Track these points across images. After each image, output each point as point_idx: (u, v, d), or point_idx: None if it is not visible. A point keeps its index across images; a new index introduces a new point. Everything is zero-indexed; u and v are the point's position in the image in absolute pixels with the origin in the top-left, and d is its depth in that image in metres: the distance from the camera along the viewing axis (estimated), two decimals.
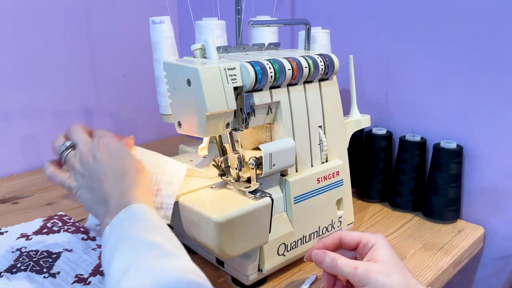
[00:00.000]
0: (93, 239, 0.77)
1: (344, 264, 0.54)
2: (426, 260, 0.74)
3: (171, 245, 0.47)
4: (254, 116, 0.63)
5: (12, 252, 0.72)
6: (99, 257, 0.71)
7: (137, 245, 0.46)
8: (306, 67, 0.66)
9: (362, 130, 0.97)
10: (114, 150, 0.57)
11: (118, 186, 0.54)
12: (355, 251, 0.59)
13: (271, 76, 0.62)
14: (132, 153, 0.59)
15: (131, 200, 0.52)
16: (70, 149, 0.60)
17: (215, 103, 0.57)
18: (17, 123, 1.09)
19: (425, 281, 0.69)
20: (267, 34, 0.83)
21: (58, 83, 1.14)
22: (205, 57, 0.63)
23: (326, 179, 0.71)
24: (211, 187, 0.64)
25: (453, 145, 0.85)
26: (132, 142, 0.63)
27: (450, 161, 0.84)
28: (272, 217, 0.61)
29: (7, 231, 0.79)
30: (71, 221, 0.83)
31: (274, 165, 0.62)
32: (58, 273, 0.67)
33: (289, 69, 0.64)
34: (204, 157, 0.75)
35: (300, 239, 0.68)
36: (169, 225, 0.76)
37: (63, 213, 0.86)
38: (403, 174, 0.90)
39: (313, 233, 0.70)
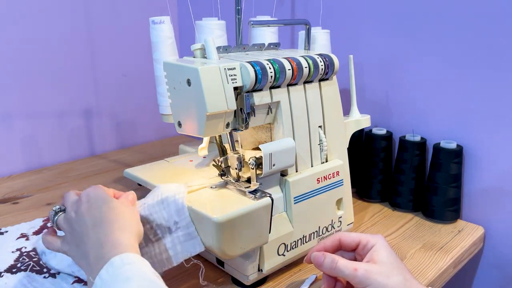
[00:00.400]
0: None
1: (344, 265, 0.53)
2: (426, 260, 0.74)
3: None
4: (254, 116, 0.63)
5: (12, 252, 0.72)
6: None
7: None
8: (306, 67, 0.66)
9: (362, 130, 0.97)
10: (93, 199, 0.54)
11: (96, 235, 0.51)
12: (354, 252, 0.59)
13: (271, 76, 0.62)
14: (112, 198, 0.56)
15: (111, 251, 0.48)
16: (60, 213, 0.58)
17: (215, 103, 0.57)
18: (17, 123, 1.09)
19: (425, 281, 0.69)
20: (267, 34, 0.83)
21: (58, 83, 1.14)
22: (205, 57, 0.63)
23: (326, 179, 0.71)
24: (211, 187, 0.64)
25: (453, 145, 0.85)
26: (133, 197, 0.59)
27: (450, 161, 0.85)
28: (272, 217, 0.61)
29: (7, 231, 0.79)
30: None
31: (274, 165, 0.62)
32: (58, 273, 0.67)
33: (289, 69, 0.64)
34: (204, 157, 0.75)
35: (300, 239, 0.68)
36: None
37: None
38: (403, 174, 0.90)
39: (313, 233, 0.70)
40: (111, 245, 0.49)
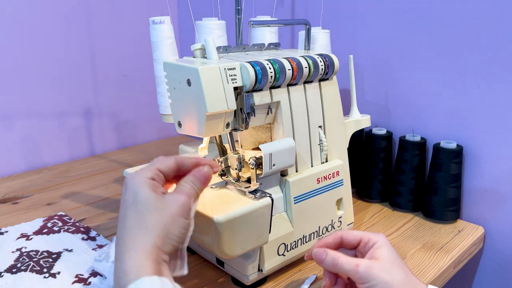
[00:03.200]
0: (93, 239, 0.77)
1: (345, 262, 0.53)
2: (426, 260, 0.74)
3: None
4: (254, 116, 0.63)
5: (12, 252, 0.72)
6: None
7: None
8: (306, 67, 0.66)
9: (362, 130, 0.97)
10: (128, 191, 0.45)
11: (118, 247, 0.44)
12: (355, 250, 0.59)
13: (271, 76, 0.62)
14: (147, 192, 0.45)
15: (124, 277, 0.42)
16: None
17: (215, 103, 0.57)
18: (17, 123, 1.09)
19: (425, 280, 0.69)
20: (267, 34, 0.83)
21: (58, 83, 1.14)
22: (205, 57, 0.63)
23: (326, 179, 0.71)
24: (211, 187, 0.64)
25: (453, 145, 0.85)
26: (205, 175, 0.50)
27: (450, 161, 0.85)
28: (272, 217, 0.61)
29: (7, 231, 0.79)
30: (71, 221, 0.83)
31: (274, 165, 0.62)
32: (58, 273, 0.67)
33: (289, 69, 0.64)
34: (204, 157, 0.75)
35: (300, 239, 0.68)
36: None
37: (63, 213, 0.86)
38: (403, 174, 0.90)
39: (313, 233, 0.70)
40: (124, 269, 0.42)
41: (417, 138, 0.89)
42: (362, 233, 0.58)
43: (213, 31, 0.77)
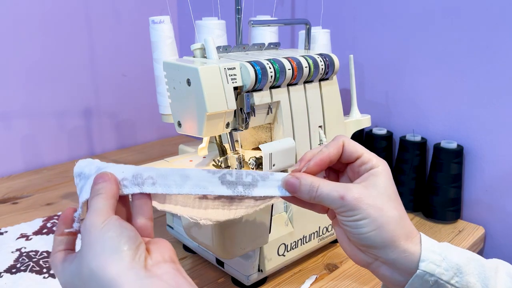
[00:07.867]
0: None
1: (327, 191, 0.43)
2: None
3: None
4: (254, 116, 0.63)
5: (12, 252, 0.72)
6: None
7: None
8: (306, 67, 0.66)
9: (362, 130, 0.97)
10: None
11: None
12: (346, 166, 0.48)
13: (271, 76, 0.62)
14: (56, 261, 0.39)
15: None
16: None
17: (215, 103, 0.57)
18: (17, 123, 1.09)
19: None
20: (267, 34, 0.83)
21: (58, 83, 1.14)
22: (205, 57, 0.63)
23: None
24: None
25: (453, 145, 0.85)
26: (105, 185, 0.40)
27: (451, 161, 0.84)
28: (272, 217, 0.61)
29: (7, 231, 0.79)
30: None
31: (274, 165, 0.62)
32: None
33: (289, 69, 0.64)
34: (204, 157, 0.75)
35: (300, 239, 0.68)
36: (170, 226, 0.76)
37: None
38: (403, 174, 0.90)
39: (313, 233, 0.70)
40: None
41: (418, 138, 0.89)
42: (363, 149, 0.46)
43: (213, 30, 0.77)
